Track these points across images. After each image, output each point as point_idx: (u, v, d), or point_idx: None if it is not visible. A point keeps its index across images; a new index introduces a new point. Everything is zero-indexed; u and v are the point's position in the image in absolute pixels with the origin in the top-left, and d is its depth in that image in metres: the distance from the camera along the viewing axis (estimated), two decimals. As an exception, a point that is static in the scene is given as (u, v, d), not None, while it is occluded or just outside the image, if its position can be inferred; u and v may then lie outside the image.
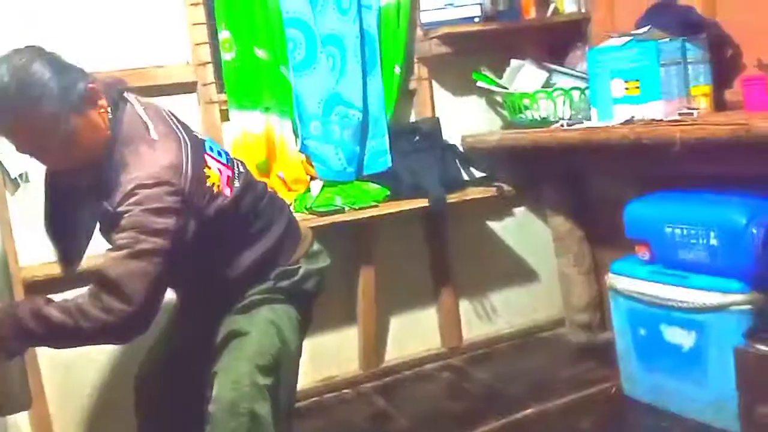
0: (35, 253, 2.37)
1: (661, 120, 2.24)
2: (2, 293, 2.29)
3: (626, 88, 2.38)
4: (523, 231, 3.19)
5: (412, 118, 2.95)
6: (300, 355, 1.86)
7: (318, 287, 1.90)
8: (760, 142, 1.89)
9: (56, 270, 2.37)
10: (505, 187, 2.92)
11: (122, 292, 1.46)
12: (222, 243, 1.70)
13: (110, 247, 1.52)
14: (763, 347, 1.98)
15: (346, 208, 2.60)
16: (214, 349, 1.73)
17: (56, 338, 1.54)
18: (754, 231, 2.02)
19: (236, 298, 1.77)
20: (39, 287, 2.36)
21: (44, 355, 2.39)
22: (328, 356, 2.85)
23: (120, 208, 1.50)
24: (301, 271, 1.82)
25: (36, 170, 2.31)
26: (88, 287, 1.51)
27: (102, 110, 1.58)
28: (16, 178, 2.37)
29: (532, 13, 2.84)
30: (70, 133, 1.51)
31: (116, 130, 1.59)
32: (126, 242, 1.48)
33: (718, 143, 2.01)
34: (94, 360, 2.48)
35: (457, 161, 2.92)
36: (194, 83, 2.56)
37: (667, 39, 2.31)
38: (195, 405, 1.71)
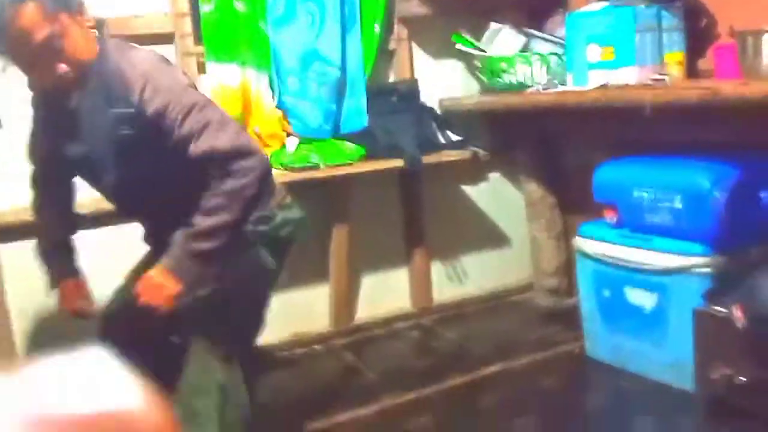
0: (7, 198, 2.38)
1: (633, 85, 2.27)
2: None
3: (601, 53, 2.41)
4: (496, 196, 3.23)
5: (391, 79, 2.96)
6: (268, 302, 1.89)
7: (292, 235, 1.91)
8: (726, 107, 1.94)
9: (29, 215, 2.39)
10: (481, 151, 2.95)
11: (242, 150, 1.53)
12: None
13: (185, 135, 1.53)
14: (720, 309, 2.04)
15: (321, 165, 2.62)
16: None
17: (229, 236, 1.57)
18: (717, 195, 2.07)
19: None
20: (12, 232, 2.37)
21: (13, 305, 2.40)
22: (300, 312, 2.88)
23: (154, 105, 1.53)
24: (278, 218, 1.84)
25: (9, 115, 2.34)
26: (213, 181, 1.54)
27: (90, 24, 1.60)
28: (-8, 120, 2.36)
29: (513, -23, 2.86)
30: (63, 33, 1.52)
31: (104, 45, 1.61)
32: (199, 122, 1.53)
33: (686, 108, 2.05)
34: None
35: (433, 124, 2.94)
36: (172, 34, 2.55)
37: (643, 5, 2.34)
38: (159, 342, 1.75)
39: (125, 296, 1.90)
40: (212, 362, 1.64)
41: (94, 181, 1.79)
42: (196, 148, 1.53)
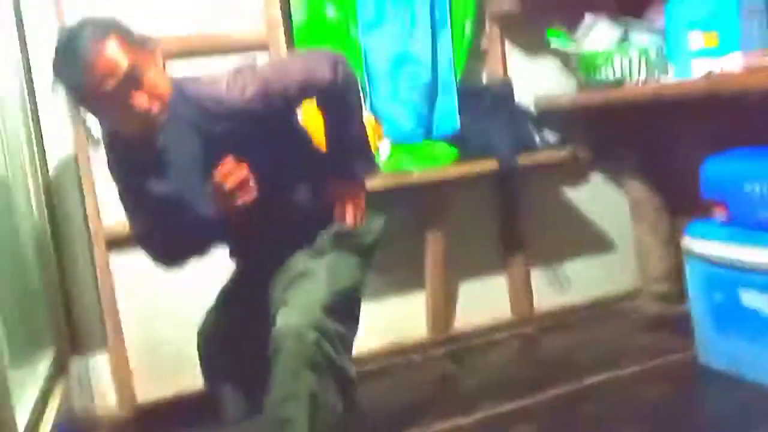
0: (118, 212, 2.47)
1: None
2: (83, 251, 2.42)
3: (704, 40, 2.27)
4: (598, 198, 3.10)
5: (484, 79, 2.91)
6: (360, 310, 1.87)
7: (376, 243, 1.90)
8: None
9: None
10: (580, 151, 2.84)
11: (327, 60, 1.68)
12: (294, 167, 1.76)
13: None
14: None
15: (415, 171, 2.59)
16: (277, 291, 1.74)
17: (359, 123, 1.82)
18: (839, 184, 1.90)
19: (304, 245, 1.80)
20: (121, 245, 2.47)
21: (125, 310, 2.50)
22: (397, 320, 2.86)
23: (249, 88, 1.62)
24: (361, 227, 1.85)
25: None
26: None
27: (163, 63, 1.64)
28: (99, 137, 2.46)
29: (609, -34, 2.75)
30: (143, 66, 1.55)
31: (176, 81, 1.64)
32: (269, 68, 1.72)
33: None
34: (173, 315, 2.57)
35: (529, 124, 2.87)
36: (266, 43, 2.60)
37: (749, -13, 2.19)
38: (256, 365, 1.71)
39: (218, 316, 1.94)
40: (303, 370, 1.63)
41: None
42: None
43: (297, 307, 1.64)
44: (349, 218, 1.81)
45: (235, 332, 1.88)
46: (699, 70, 2.29)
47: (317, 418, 1.64)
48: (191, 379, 2.53)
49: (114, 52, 1.50)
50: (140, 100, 1.54)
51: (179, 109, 1.60)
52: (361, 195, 1.85)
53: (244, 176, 1.55)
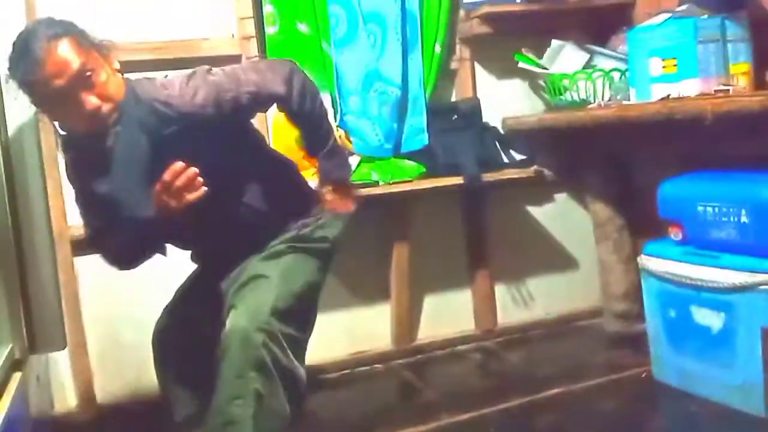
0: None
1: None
2: (46, 250, 2.43)
3: (663, 66, 2.36)
4: (563, 217, 3.17)
5: (454, 99, 2.97)
6: (315, 314, 1.90)
7: (334, 247, 1.93)
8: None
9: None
10: (545, 171, 2.91)
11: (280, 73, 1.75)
12: (245, 172, 1.81)
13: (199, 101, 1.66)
14: (790, 327, 1.93)
15: (381, 182, 2.64)
16: (229, 294, 1.78)
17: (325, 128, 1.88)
18: (785, 207, 1.97)
19: (258, 249, 1.83)
20: (85, 245, 2.49)
21: (88, 311, 2.52)
22: (361, 331, 2.90)
23: (200, 93, 1.66)
24: (322, 223, 1.89)
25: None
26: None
27: (117, 68, 1.69)
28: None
29: (576, -5, 2.84)
30: (94, 67, 1.59)
31: (131, 85, 1.69)
32: (223, 76, 1.70)
33: (752, 119, 1.97)
34: (135, 317, 2.58)
35: (496, 143, 2.93)
36: (239, 56, 2.64)
37: (706, 16, 2.28)
38: (208, 366, 1.74)
39: (173, 315, 1.99)
40: (248, 371, 1.65)
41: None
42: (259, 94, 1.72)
43: (246, 309, 1.68)
44: (345, 205, 1.87)
45: (188, 332, 1.92)
46: (658, 94, 2.37)
47: (262, 419, 1.66)
48: (152, 381, 2.55)
49: (65, 52, 1.56)
50: (90, 101, 1.59)
51: (131, 110, 1.64)
52: (350, 189, 1.92)
53: (192, 174, 1.58)
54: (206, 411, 1.76)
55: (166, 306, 2.01)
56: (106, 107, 1.61)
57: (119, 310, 2.55)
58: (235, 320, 1.66)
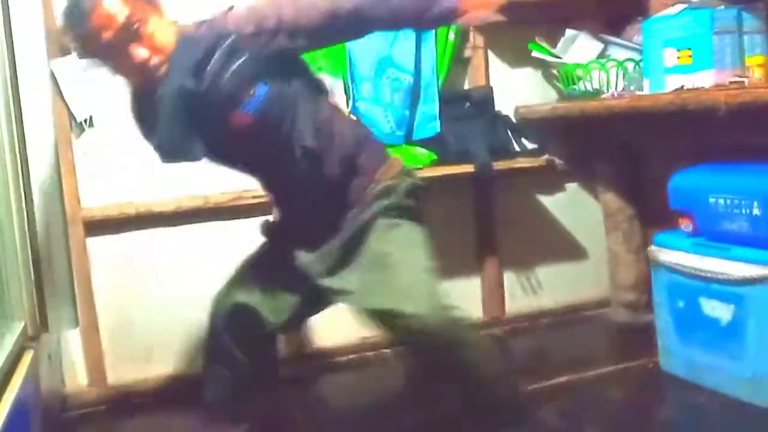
0: (97, 195, 2.52)
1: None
2: (59, 231, 2.45)
3: (678, 57, 2.35)
4: (574, 207, 3.17)
5: (467, 87, 2.97)
6: None
7: (419, 204, 1.87)
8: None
9: (115, 211, 2.53)
10: (557, 160, 2.91)
11: None
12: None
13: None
14: (800, 320, 1.93)
15: (392, 169, 2.64)
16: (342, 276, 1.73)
17: None
18: (797, 200, 1.97)
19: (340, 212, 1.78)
20: (98, 227, 2.52)
21: (101, 292, 2.54)
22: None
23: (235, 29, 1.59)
24: (404, 185, 1.81)
25: (100, 114, 2.49)
26: None
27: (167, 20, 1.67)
28: (81, 122, 2.48)
29: (592, -17, 2.83)
30: (142, 18, 1.58)
31: (182, 32, 1.66)
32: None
33: (764, 108, 1.96)
34: (148, 301, 2.61)
35: (508, 132, 2.93)
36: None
37: (722, 6, 2.27)
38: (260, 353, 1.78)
39: (234, 293, 1.90)
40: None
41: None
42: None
43: (409, 297, 1.65)
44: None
45: (248, 319, 1.85)
46: (672, 84, 2.36)
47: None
48: (162, 361, 2.58)
49: (112, 4, 1.56)
50: (138, 53, 1.58)
51: (181, 59, 1.60)
52: None
53: None
54: (237, 399, 1.76)
55: (232, 279, 1.93)
56: (155, 59, 1.60)
57: (131, 292, 2.57)
58: (414, 310, 1.63)
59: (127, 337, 2.58)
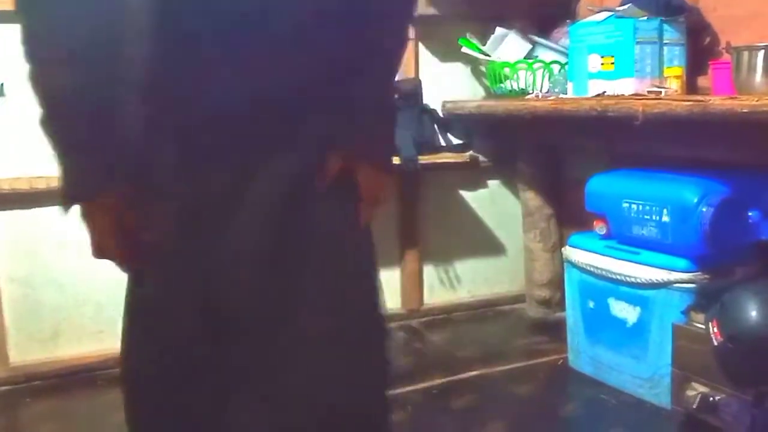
0: (6, 167, 2.42)
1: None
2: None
3: (602, 63, 2.41)
4: (495, 204, 3.22)
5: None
6: None
7: None
8: (717, 123, 1.91)
9: (24, 185, 2.43)
10: (481, 157, 2.94)
11: None
12: None
13: None
14: (698, 324, 2.02)
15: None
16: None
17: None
18: (704, 210, 2.05)
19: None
20: (7, 200, 2.42)
21: (2, 271, 2.44)
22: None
23: None
24: None
25: (12, 83, 2.38)
26: None
27: None
28: (-5, 88, 2.39)
29: (523, -17, 2.86)
30: None
31: None
32: None
33: (680, 122, 2.03)
34: (55, 281, 2.52)
35: (434, 126, 2.95)
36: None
37: (645, 18, 2.33)
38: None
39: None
40: None
41: None
42: None
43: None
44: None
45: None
46: (594, 90, 2.42)
47: None
48: (68, 342, 2.50)
49: None
50: None
51: None
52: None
53: None
54: None
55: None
56: None
57: (38, 271, 2.49)
58: None
59: (32, 317, 2.49)
